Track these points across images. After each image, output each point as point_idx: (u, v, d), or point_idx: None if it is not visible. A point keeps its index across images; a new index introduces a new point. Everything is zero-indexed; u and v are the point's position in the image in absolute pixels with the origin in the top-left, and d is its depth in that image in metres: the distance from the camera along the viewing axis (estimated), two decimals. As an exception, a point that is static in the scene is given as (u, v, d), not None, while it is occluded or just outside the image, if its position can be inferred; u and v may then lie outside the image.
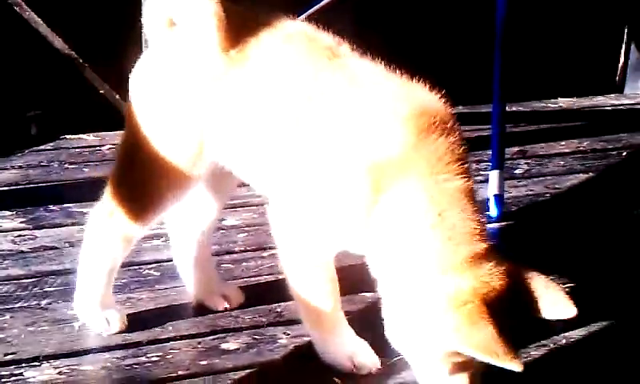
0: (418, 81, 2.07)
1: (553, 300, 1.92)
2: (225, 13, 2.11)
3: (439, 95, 2.05)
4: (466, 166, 2.00)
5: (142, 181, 2.28)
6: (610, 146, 3.99)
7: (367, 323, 2.32)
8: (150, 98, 2.26)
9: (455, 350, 1.86)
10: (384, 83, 2.07)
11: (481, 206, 2.03)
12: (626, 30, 4.80)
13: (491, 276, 1.89)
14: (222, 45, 2.12)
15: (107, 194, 2.34)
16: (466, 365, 1.93)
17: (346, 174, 2.00)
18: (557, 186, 3.52)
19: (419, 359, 2.00)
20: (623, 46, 4.83)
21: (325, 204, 2.05)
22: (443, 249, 1.91)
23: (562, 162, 3.77)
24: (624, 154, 3.91)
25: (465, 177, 1.98)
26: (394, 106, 2.00)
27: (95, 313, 2.37)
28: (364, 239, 2.04)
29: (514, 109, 4.22)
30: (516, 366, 1.77)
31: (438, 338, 1.89)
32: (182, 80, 2.21)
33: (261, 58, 2.13)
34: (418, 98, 2.03)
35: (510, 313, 1.89)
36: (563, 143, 3.99)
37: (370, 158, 1.98)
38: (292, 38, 2.16)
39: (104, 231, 2.33)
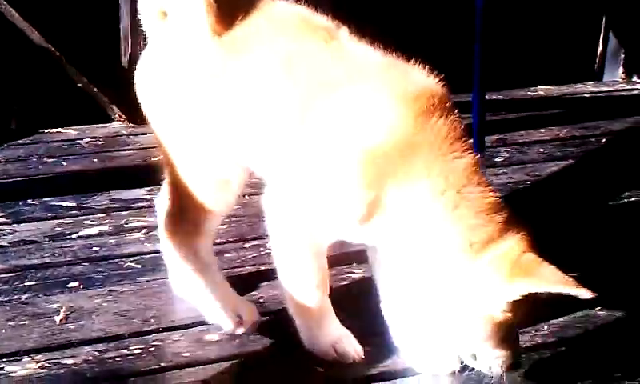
0: (415, 63, 2.07)
1: None
2: None
3: (435, 76, 2.05)
4: (469, 142, 2.02)
5: (178, 195, 2.26)
6: (589, 133, 4.00)
7: (352, 311, 2.32)
8: (154, 98, 2.24)
9: (523, 295, 1.90)
10: (381, 68, 2.05)
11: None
12: (604, 18, 4.82)
13: (524, 231, 1.97)
14: (214, 29, 2.10)
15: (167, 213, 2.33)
16: (507, 336, 2.00)
17: (345, 164, 1.98)
18: (537, 174, 3.53)
19: (457, 343, 2.06)
20: (602, 33, 4.85)
21: (324, 194, 2.04)
22: (477, 222, 1.95)
23: (541, 150, 3.78)
24: (603, 140, 3.93)
25: (470, 152, 2.00)
26: (392, 90, 2.00)
27: (221, 314, 2.32)
28: (370, 230, 2.03)
29: (493, 97, 4.23)
30: (588, 293, 1.87)
31: (497, 299, 1.93)
32: (180, 72, 2.18)
33: (255, 42, 2.11)
34: (415, 81, 2.02)
35: None
36: (543, 131, 4.00)
37: (369, 146, 1.96)
38: (287, 21, 2.14)
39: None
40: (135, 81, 2.29)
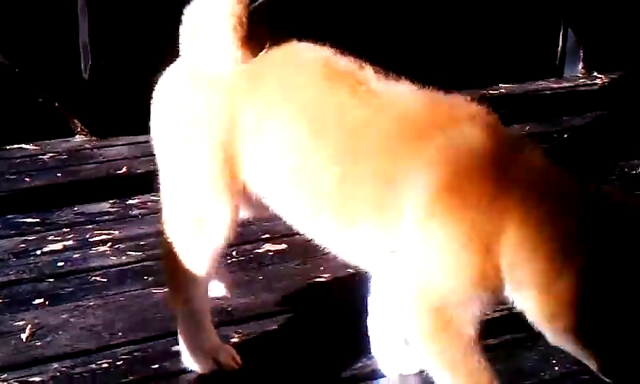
0: (448, 93, 2.01)
1: None
2: (245, 20, 1.99)
3: (477, 103, 2.00)
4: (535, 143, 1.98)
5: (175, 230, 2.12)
6: (552, 129, 4.04)
7: (324, 315, 2.33)
8: (167, 114, 2.11)
9: None
10: (423, 106, 1.96)
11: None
12: (562, 15, 4.87)
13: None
14: (238, 54, 2.00)
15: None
16: None
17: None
18: (501, 171, 3.54)
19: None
20: (561, 30, 4.90)
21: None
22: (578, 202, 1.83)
23: (505, 148, 3.79)
24: (565, 136, 3.97)
25: (536, 149, 1.95)
26: (443, 125, 1.91)
27: (203, 360, 2.22)
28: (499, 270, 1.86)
29: (455, 97, 4.25)
30: None
31: None
32: (198, 90, 2.07)
33: (278, 86, 2.01)
34: (462, 111, 1.95)
35: None
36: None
37: (439, 189, 1.84)
38: (311, 67, 2.02)
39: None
40: (153, 95, 2.15)
